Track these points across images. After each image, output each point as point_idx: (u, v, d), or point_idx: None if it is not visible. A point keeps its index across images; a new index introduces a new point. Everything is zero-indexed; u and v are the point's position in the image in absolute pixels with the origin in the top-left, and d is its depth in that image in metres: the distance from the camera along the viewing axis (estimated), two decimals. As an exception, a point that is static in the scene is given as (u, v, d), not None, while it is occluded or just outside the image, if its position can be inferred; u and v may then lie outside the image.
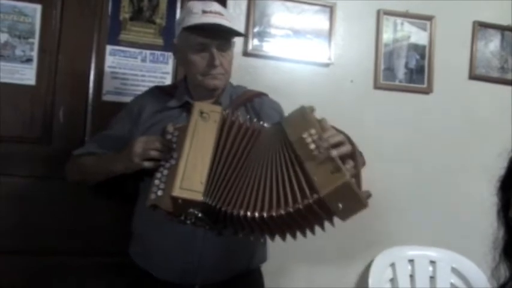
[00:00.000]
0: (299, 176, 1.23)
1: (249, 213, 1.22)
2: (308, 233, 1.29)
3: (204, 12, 1.52)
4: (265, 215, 1.21)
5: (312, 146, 1.24)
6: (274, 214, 1.21)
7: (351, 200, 1.20)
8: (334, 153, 1.20)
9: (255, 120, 1.48)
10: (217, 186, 1.30)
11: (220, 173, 1.32)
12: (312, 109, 1.36)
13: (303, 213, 1.21)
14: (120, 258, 1.71)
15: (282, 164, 1.28)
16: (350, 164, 1.24)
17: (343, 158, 1.23)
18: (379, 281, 2.31)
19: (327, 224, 1.28)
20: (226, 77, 1.60)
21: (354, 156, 1.27)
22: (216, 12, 1.53)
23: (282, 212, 1.20)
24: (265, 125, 1.45)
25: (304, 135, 1.27)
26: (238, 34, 1.61)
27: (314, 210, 1.20)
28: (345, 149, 1.24)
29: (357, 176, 1.25)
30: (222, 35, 1.54)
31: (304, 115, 1.34)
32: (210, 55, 1.53)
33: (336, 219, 1.26)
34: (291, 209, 1.20)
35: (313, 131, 1.27)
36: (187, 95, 1.61)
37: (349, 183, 1.17)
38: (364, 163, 1.50)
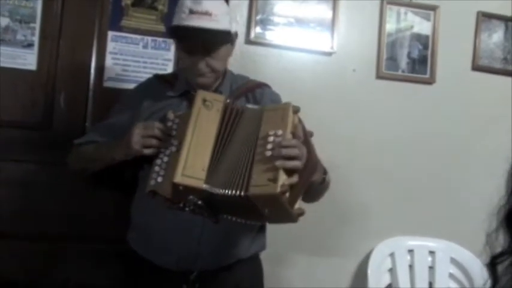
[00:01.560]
0: (246, 169, 1.27)
1: (220, 191, 1.27)
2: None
3: (191, 12, 1.47)
4: (224, 192, 1.27)
5: (269, 147, 1.27)
6: (227, 193, 1.26)
7: (278, 210, 1.25)
8: (279, 164, 1.23)
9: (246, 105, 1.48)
10: (217, 174, 1.30)
11: (218, 160, 1.33)
12: (296, 109, 1.36)
13: (243, 202, 1.26)
14: (119, 245, 1.70)
15: (245, 153, 1.31)
16: (293, 179, 1.26)
17: (291, 171, 1.26)
18: (378, 270, 2.32)
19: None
20: (217, 74, 1.57)
21: (303, 174, 1.29)
22: (203, 13, 1.47)
23: (228, 192, 1.26)
24: (249, 106, 1.47)
25: (271, 133, 1.29)
26: (224, 38, 1.53)
27: (248, 203, 1.25)
28: (294, 164, 1.26)
29: (294, 192, 1.27)
30: (207, 38, 1.49)
31: (285, 112, 1.34)
32: (195, 60, 1.50)
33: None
34: (229, 193, 1.26)
35: (280, 133, 1.28)
36: (187, 84, 1.61)
37: (276, 196, 1.20)
38: (324, 182, 1.51)
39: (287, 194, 1.23)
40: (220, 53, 1.53)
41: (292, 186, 1.25)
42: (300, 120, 1.36)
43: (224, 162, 1.33)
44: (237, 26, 2.14)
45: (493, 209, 0.86)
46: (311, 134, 1.40)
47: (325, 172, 1.51)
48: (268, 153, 1.26)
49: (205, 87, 1.54)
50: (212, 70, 1.53)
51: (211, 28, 1.47)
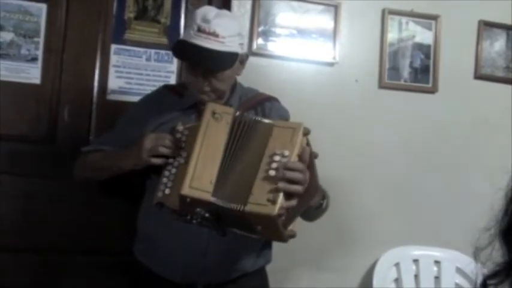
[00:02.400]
0: (247, 184, 1.27)
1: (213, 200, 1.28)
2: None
3: (199, 30, 1.45)
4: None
5: (274, 166, 1.27)
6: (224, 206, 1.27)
7: (271, 230, 1.26)
8: (282, 186, 1.24)
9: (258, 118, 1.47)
10: (225, 187, 1.30)
11: (226, 173, 1.33)
12: (307, 131, 1.35)
13: (236, 215, 1.27)
14: (123, 257, 1.70)
15: (249, 166, 1.31)
16: (291, 203, 1.26)
17: (291, 194, 1.26)
18: (383, 281, 2.30)
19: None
20: (219, 93, 1.55)
21: (302, 198, 1.29)
22: (210, 33, 1.44)
23: (226, 205, 1.27)
24: (265, 120, 1.43)
25: (278, 152, 1.29)
26: (226, 61, 1.49)
27: (240, 216, 1.26)
28: (295, 188, 1.26)
29: (290, 215, 1.28)
30: (209, 60, 1.46)
31: (294, 133, 1.33)
32: (197, 80, 1.50)
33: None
34: (225, 205, 1.27)
35: (286, 153, 1.28)
36: (196, 96, 1.60)
37: (271, 218, 1.21)
38: (322, 206, 1.52)
39: (283, 217, 1.24)
40: (224, 74, 1.51)
41: (288, 209, 1.26)
42: (308, 143, 1.36)
43: (231, 175, 1.33)
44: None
45: (487, 223, 0.82)
46: (316, 156, 1.38)
47: (323, 197, 1.51)
48: (272, 172, 1.26)
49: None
50: (214, 90, 1.52)
51: (215, 50, 1.45)
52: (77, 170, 1.69)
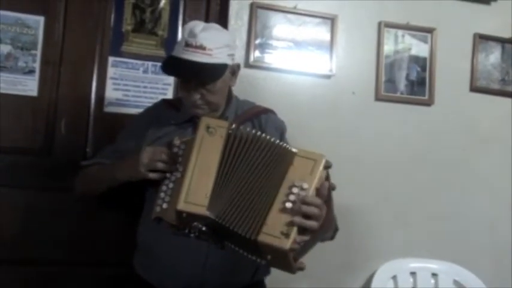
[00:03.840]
0: (261, 211, 1.26)
1: (230, 226, 1.27)
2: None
3: (187, 45, 1.46)
4: (230, 228, 1.27)
5: (292, 198, 1.25)
6: (234, 229, 1.27)
7: (281, 261, 1.25)
8: (298, 221, 1.22)
9: (258, 133, 1.45)
10: (219, 200, 1.30)
11: (222, 187, 1.32)
12: (328, 164, 1.32)
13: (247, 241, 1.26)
14: (121, 269, 1.70)
15: (263, 191, 1.29)
16: (304, 238, 1.25)
17: (305, 229, 1.25)
18: (381, 293, 2.30)
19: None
20: (212, 106, 1.56)
21: (317, 233, 1.28)
22: (197, 46, 1.46)
23: (235, 228, 1.26)
24: (263, 135, 1.40)
25: (297, 184, 1.27)
26: (215, 74, 1.50)
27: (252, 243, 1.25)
28: (311, 224, 1.24)
29: (301, 250, 1.27)
30: (197, 73, 1.48)
31: (316, 165, 1.30)
32: (188, 92, 1.51)
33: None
34: (235, 230, 1.26)
35: (305, 186, 1.26)
36: None
37: (283, 251, 1.21)
38: (333, 238, 1.53)
39: (295, 251, 1.23)
40: (216, 86, 1.51)
41: (301, 244, 1.24)
42: (328, 176, 1.33)
43: (234, 192, 1.31)
44: (236, 50, 2.16)
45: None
46: (334, 188, 1.35)
47: (336, 229, 1.51)
48: (289, 205, 1.24)
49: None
50: (207, 103, 1.53)
51: (202, 62, 1.46)
52: (77, 185, 1.70)
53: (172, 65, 1.51)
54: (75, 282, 1.99)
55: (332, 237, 1.51)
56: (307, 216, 1.23)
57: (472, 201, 2.51)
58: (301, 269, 1.29)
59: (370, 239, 2.37)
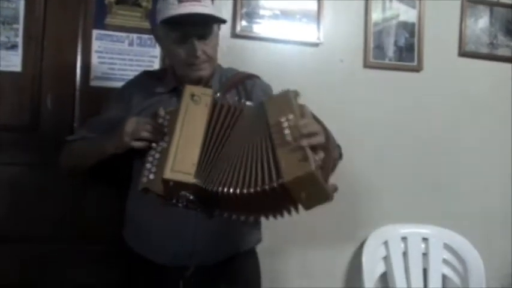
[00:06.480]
0: (270, 159, 1.24)
1: (225, 190, 1.24)
2: (302, 213, 1.28)
3: (180, 1, 1.46)
4: (237, 191, 1.23)
5: (287, 132, 1.24)
6: (245, 191, 1.22)
7: (314, 190, 1.20)
8: (305, 142, 1.21)
9: (242, 100, 1.47)
10: (207, 168, 1.30)
11: (210, 155, 1.32)
12: (296, 94, 1.35)
13: (269, 196, 1.21)
14: (113, 244, 1.70)
15: (258, 146, 1.28)
16: (320, 155, 1.24)
17: (315, 148, 1.23)
18: (372, 259, 2.33)
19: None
20: (212, 64, 1.57)
21: (327, 148, 1.27)
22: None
23: (251, 190, 1.21)
24: (248, 103, 1.45)
25: (282, 120, 1.27)
26: (218, 20, 1.54)
27: (278, 194, 1.21)
28: (317, 139, 1.24)
29: (325, 168, 1.25)
30: (201, 24, 1.49)
31: (287, 99, 1.33)
32: (191, 46, 1.49)
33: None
34: (258, 189, 1.21)
35: (291, 117, 1.26)
36: (176, 80, 1.60)
37: (313, 173, 1.17)
38: (341, 156, 1.52)
39: (319, 171, 1.20)
40: (212, 40, 1.53)
41: (321, 162, 1.23)
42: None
43: (224, 159, 1.31)
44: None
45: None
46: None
47: (339, 146, 1.53)
48: (289, 137, 1.23)
49: (201, 81, 1.54)
50: (208, 57, 1.52)
51: (204, 13, 1.47)
52: (63, 160, 1.69)
53: (174, 22, 1.47)
54: (68, 257, 1.99)
55: (340, 156, 1.52)
56: (309, 136, 1.23)
57: (462, 166, 2.52)
58: (336, 189, 1.25)
59: (361, 206, 2.38)
